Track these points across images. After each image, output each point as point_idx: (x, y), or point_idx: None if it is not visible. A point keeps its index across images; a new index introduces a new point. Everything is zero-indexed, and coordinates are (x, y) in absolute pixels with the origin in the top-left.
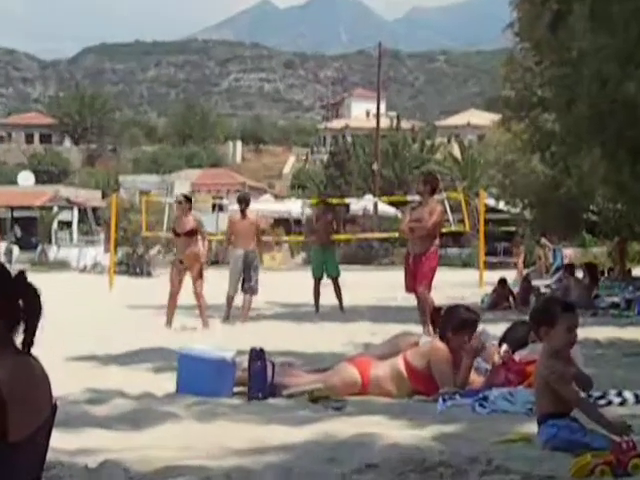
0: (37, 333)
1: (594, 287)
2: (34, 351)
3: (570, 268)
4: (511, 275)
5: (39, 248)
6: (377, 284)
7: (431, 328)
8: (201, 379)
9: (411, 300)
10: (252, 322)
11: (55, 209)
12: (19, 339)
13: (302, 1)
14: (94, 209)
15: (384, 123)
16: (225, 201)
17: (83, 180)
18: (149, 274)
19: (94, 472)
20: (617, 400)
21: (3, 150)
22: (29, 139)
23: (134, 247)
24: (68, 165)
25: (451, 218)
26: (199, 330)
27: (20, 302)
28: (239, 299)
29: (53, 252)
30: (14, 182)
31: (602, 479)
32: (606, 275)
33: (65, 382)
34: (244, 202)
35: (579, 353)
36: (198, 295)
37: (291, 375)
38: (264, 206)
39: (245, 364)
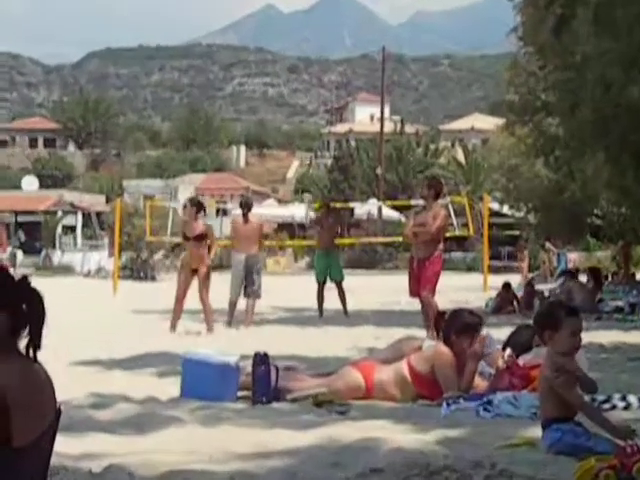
0: (41, 338)
1: (598, 291)
2: (38, 356)
3: (571, 273)
4: (515, 279)
5: (43, 253)
6: (381, 288)
7: (435, 333)
8: (205, 383)
9: (415, 304)
10: (256, 326)
11: (59, 214)
12: (23, 344)
13: (306, 6)
14: (98, 214)
15: (388, 127)
16: (229, 205)
17: (87, 185)
18: (153, 279)
19: (98, 477)
20: (621, 404)
21: (7, 155)
22: (33, 144)
23: (138, 252)
24: (72, 170)
25: (455, 222)
26: (203, 334)
27: (24, 307)
28: (243, 303)
29: (57, 257)
30: (18, 187)
31: None
32: (610, 279)
33: (69, 387)
34: (246, 206)
35: (583, 357)
36: (204, 300)
37: (295, 379)
38: (268, 211)
39: (249, 368)
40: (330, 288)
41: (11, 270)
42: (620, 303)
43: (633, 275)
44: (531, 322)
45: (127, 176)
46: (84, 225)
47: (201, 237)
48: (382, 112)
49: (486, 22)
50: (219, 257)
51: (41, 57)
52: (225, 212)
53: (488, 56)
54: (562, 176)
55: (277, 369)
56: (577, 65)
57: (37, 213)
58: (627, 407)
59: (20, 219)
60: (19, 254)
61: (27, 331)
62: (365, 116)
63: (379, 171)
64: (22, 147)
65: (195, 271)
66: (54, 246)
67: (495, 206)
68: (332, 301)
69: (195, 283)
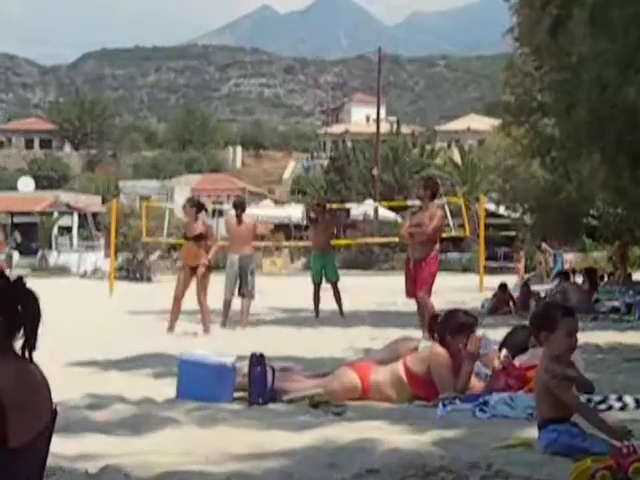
0: (37, 339)
1: (594, 292)
2: (34, 356)
3: (566, 274)
4: (511, 280)
5: (39, 253)
6: (377, 289)
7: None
8: (201, 384)
9: (411, 305)
10: (252, 327)
11: (55, 214)
12: (19, 344)
13: (302, 6)
14: (94, 214)
15: (384, 128)
16: (225, 206)
17: (83, 185)
18: (149, 279)
19: (94, 477)
20: (618, 405)
21: (3, 156)
22: (29, 144)
23: (134, 252)
24: (68, 170)
25: (451, 223)
26: (199, 335)
27: (19, 308)
28: (238, 304)
29: (53, 257)
30: (14, 188)
31: None
32: (606, 280)
33: (65, 387)
34: (240, 207)
35: (580, 358)
36: (201, 300)
37: (291, 380)
38: (264, 211)
39: (245, 369)
40: (326, 289)
41: (7, 271)
42: (616, 303)
43: (629, 275)
44: (527, 323)
45: (123, 177)
46: (80, 226)
47: (200, 237)
48: (378, 113)
49: (482, 23)
50: (215, 257)
51: (37, 58)
52: (221, 213)
53: (484, 57)
54: (558, 177)
55: (273, 370)
56: (573, 66)
57: (33, 214)
58: (623, 408)
59: (16, 220)
60: (15, 255)
61: (22, 332)
62: (361, 117)
63: (375, 172)
64: (18, 148)
65: (194, 270)
66: (50, 247)
67: (491, 207)
68: (328, 302)
69: (193, 284)
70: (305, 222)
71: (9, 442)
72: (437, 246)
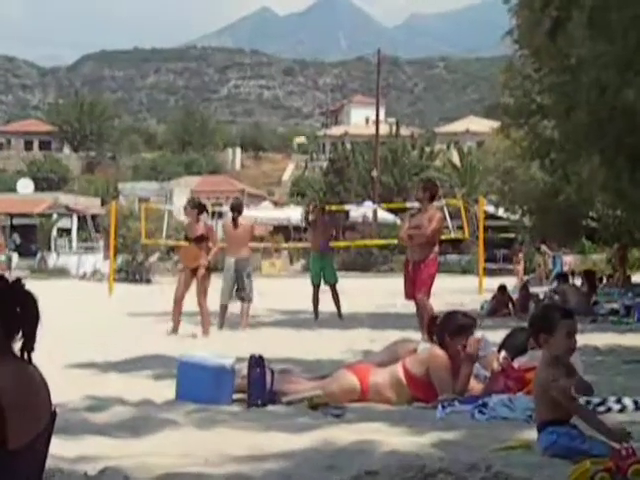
0: (36, 340)
1: (593, 294)
2: (33, 358)
3: (564, 276)
4: (511, 282)
5: (38, 255)
6: (376, 291)
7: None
8: (200, 386)
9: (410, 307)
10: (251, 329)
11: (54, 216)
12: (18, 346)
13: (302, 8)
14: (93, 216)
15: (383, 130)
16: (224, 208)
17: (82, 187)
18: (148, 281)
19: (94, 479)
20: (616, 407)
21: (2, 157)
22: (28, 146)
23: (133, 254)
24: (67, 172)
25: (450, 225)
26: (199, 337)
27: (18, 309)
28: (235, 306)
29: (52, 259)
30: (13, 189)
31: None
32: (605, 282)
33: (65, 389)
34: (236, 210)
35: (579, 360)
36: (201, 302)
37: (290, 382)
38: (263, 213)
39: (244, 371)
40: (325, 290)
41: (6, 273)
42: (615, 305)
43: (628, 278)
44: (526, 325)
45: (122, 179)
46: (79, 228)
47: (202, 239)
48: (377, 115)
49: (481, 25)
50: (215, 259)
51: (36, 59)
52: (220, 215)
53: (483, 59)
54: (557, 179)
55: (272, 372)
56: (572, 68)
57: (32, 216)
58: (622, 410)
59: (15, 222)
60: (14, 257)
61: (21, 334)
62: (360, 119)
63: (374, 174)
64: (17, 150)
65: (195, 272)
66: (49, 249)
67: (490, 209)
68: (327, 304)
69: (194, 286)
70: (304, 224)
71: (8, 443)
72: (436, 248)
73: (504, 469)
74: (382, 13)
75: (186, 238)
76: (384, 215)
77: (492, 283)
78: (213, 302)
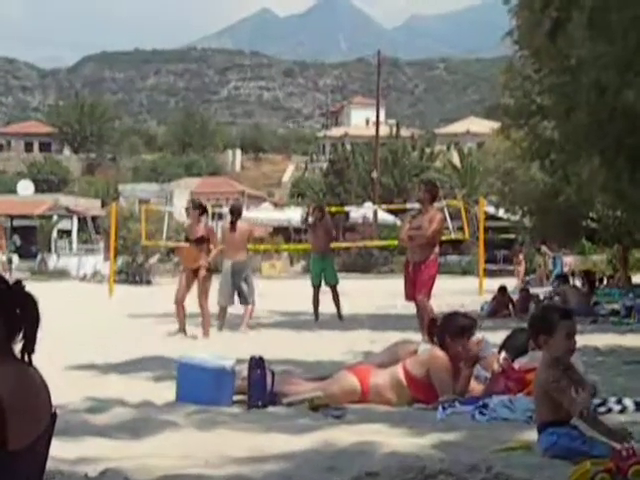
0: (36, 342)
1: (592, 294)
2: (34, 360)
3: (564, 277)
4: (511, 282)
5: (39, 257)
6: (377, 292)
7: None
8: (201, 388)
9: (411, 308)
10: (251, 331)
11: (55, 218)
12: (18, 348)
13: (302, 9)
14: (93, 218)
15: (383, 131)
16: (225, 209)
17: (83, 189)
18: (149, 282)
19: None
20: (617, 407)
21: (2, 159)
22: (28, 148)
23: (134, 256)
24: (67, 174)
25: (451, 226)
26: (199, 339)
27: (18, 311)
28: (234, 308)
29: (53, 261)
30: (13, 191)
31: None
32: (606, 282)
33: (65, 391)
34: (235, 213)
35: (579, 360)
36: (202, 304)
37: (291, 383)
38: (263, 214)
39: (245, 373)
40: (325, 292)
41: (6, 275)
42: (616, 306)
43: (629, 278)
44: (526, 326)
45: (123, 180)
46: (80, 229)
47: (202, 240)
48: (377, 116)
49: (481, 26)
50: (215, 260)
51: (36, 61)
52: (220, 216)
53: (483, 60)
54: (557, 179)
55: (273, 373)
56: (572, 69)
57: (33, 217)
58: (623, 410)
59: (16, 223)
60: (15, 258)
61: (22, 335)
62: (360, 120)
63: (374, 175)
64: (17, 151)
65: (196, 273)
66: (50, 250)
67: (491, 209)
68: (328, 305)
69: (195, 287)
70: (304, 226)
71: (8, 445)
72: (436, 249)
73: (504, 470)
74: (382, 14)
75: (187, 239)
76: (384, 216)
77: (492, 284)
78: (214, 303)
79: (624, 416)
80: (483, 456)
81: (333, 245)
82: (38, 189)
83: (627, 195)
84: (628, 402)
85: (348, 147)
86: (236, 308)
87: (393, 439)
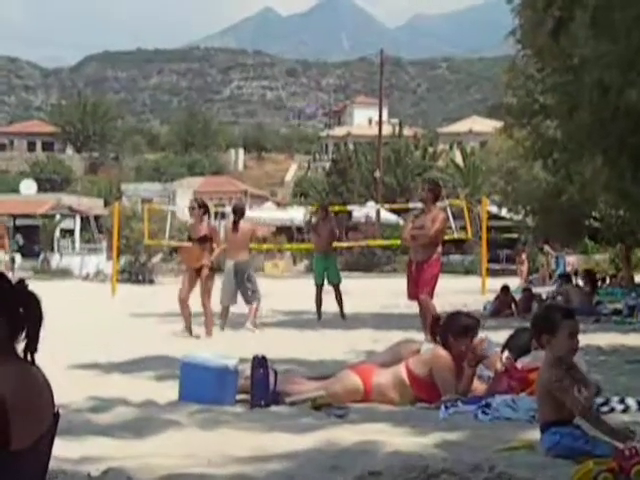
0: (39, 341)
1: (595, 293)
2: (36, 359)
3: (567, 276)
4: (514, 282)
5: (41, 256)
6: (379, 291)
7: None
8: (203, 387)
9: (414, 307)
10: (257, 328)
11: (57, 217)
12: (21, 347)
13: (304, 9)
14: (96, 217)
15: (386, 130)
16: (227, 209)
17: (85, 188)
18: (151, 282)
19: None
20: (620, 407)
21: (5, 158)
22: (31, 147)
23: (136, 255)
24: (70, 173)
25: (453, 225)
26: (202, 338)
27: (21, 310)
28: (236, 308)
29: (55, 260)
30: (16, 190)
31: None
32: (608, 282)
33: (68, 390)
34: (238, 213)
35: (582, 360)
36: (204, 303)
37: (293, 383)
38: (266, 214)
39: (247, 372)
40: (328, 291)
41: (9, 274)
42: (619, 305)
43: (631, 278)
44: (529, 325)
45: (125, 179)
46: (82, 228)
47: (205, 239)
48: (380, 115)
49: (484, 25)
50: (218, 259)
51: (39, 60)
52: (223, 215)
53: (486, 59)
54: (560, 179)
55: (275, 372)
56: (575, 68)
57: (35, 217)
58: (625, 410)
59: (18, 223)
60: (17, 258)
61: (25, 335)
62: (363, 119)
63: (377, 174)
64: (20, 151)
65: (199, 272)
66: (52, 249)
67: (493, 209)
68: (331, 304)
69: (198, 286)
70: (307, 228)
71: (11, 445)
72: (439, 248)
73: (507, 469)
74: (385, 14)
75: (189, 239)
76: (387, 215)
77: (495, 283)
78: (217, 303)
79: (627, 415)
80: (486, 455)
81: (335, 244)
82: (41, 188)
83: (630, 194)
84: (631, 401)
85: (351, 146)
86: (239, 307)
87: (396, 438)
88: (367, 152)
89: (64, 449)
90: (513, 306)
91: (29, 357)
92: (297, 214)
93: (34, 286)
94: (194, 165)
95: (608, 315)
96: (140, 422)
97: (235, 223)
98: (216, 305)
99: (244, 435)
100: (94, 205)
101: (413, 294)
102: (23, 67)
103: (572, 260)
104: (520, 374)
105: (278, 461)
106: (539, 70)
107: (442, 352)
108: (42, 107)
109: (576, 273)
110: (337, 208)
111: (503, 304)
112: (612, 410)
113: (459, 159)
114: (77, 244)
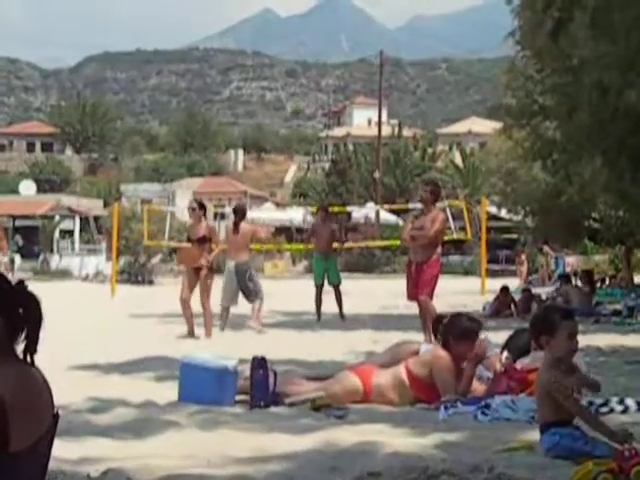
0: (38, 342)
1: (594, 294)
2: (36, 360)
3: (566, 277)
4: (513, 283)
5: (41, 257)
6: (379, 292)
7: (432, 337)
8: (203, 388)
9: (413, 308)
10: (253, 331)
11: (57, 218)
12: (20, 348)
13: (304, 9)
14: (96, 218)
15: (386, 131)
16: (227, 210)
17: (85, 189)
18: (151, 282)
19: None
20: (619, 408)
21: (5, 159)
22: (31, 148)
23: (136, 256)
24: (70, 174)
25: (453, 226)
26: (201, 338)
27: (20, 311)
28: (236, 308)
29: (55, 261)
30: (16, 191)
31: None
32: (608, 282)
33: (67, 391)
34: (239, 213)
35: (582, 361)
36: (204, 304)
37: (293, 383)
38: (266, 214)
39: (247, 373)
40: (328, 292)
41: (9, 275)
42: (618, 306)
43: (631, 278)
44: (528, 326)
45: (125, 180)
46: (82, 229)
47: (204, 239)
48: (380, 116)
49: (484, 26)
50: (217, 260)
51: (38, 61)
52: (223, 216)
53: (486, 60)
54: (559, 179)
55: (275, 373)
56: (574, 69)
57: (35, 217)
58: (625, 410)
59: (18, 223)
60: (17, 258)
61: (24, 335)
62: (363, 120)
63: (377, 175)
64: (19, 151)
65: (197, 272)
66: (52, 250)
67: (493, 210)
68: (330, 305)
69: (198, 286)
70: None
71: (10, 446)
72: (439, 249)
73: (507, 470)
74: (384, 14)
75: (189, 239)
76: (386, 216)
77: (495, 284)
78: (216, 303)
79: (626, 416)
80: (485, 456)
81: (335, 245)
82: (40, 189)
83: (629, 195)
84: (630, 402)
85: (350, 147)
86: (239, 308)
87: (395, 439)
88: (366, 153)
89: (63, 450)
90: (512, 307)
91: (29, 358)
92: (296, 215)
93: (34, 287)
94: (193, 166)
95: (607, 316)
96: (139, 423)
97: (236, 224)
98: (216, 306)
99: (243, 436)
100: (93, 206)
101: (413, 295)
102: (23, 68)
103: (572, 261)
104: (519, 375)
105: (277, 462)
106: (538, 71)
107: (442, 353)
108: (41, 108)
109: (575, 274)
110: (337, 209)
111: (502, 305)
112: (611, 411)
113: (458, 160)
114: (76, 245)
